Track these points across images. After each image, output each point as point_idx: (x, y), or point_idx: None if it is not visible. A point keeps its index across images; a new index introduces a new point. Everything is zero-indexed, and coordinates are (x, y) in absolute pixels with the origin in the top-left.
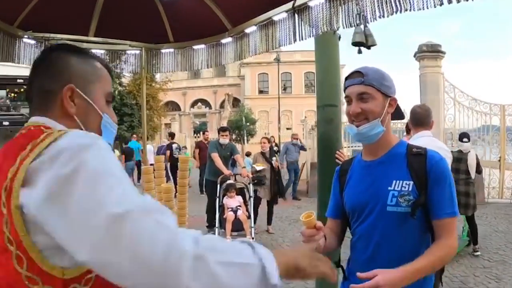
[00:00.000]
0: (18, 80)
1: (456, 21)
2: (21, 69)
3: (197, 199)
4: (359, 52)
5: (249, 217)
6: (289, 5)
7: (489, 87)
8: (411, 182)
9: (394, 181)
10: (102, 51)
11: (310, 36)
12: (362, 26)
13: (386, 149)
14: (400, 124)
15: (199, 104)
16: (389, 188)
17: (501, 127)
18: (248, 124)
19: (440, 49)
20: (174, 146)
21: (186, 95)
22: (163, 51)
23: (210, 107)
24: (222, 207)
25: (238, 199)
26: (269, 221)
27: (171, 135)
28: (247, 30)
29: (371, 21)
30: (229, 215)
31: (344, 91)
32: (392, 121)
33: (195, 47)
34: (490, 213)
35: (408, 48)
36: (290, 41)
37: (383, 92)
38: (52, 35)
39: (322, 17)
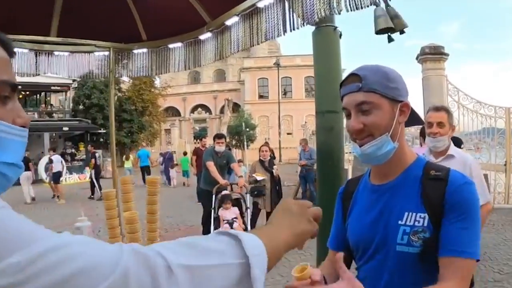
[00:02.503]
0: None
1: (454, 23)
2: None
3: (195, 208)
4: (390, 40)
5: (246, 229)
6: None
7: (493, 89)
8: (426, 215)
9: (406, 214)
10: (66, 53)
11: (303, 25)
12: (383, 6)
13: (399, 170)
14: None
15: (199, 109)
16: (400, 222)
17: (507, 130)
18: (248, 129)
19: (443, 51)
20: (97, 154)
21: (186, 100)
22: (135, 51)
23: (210, 113)
24: (217, 219)
25: (234, 211)
26: None
27: (93, 146)
28: (228, 22)
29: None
30: (225, 228)
31: (341, 100)
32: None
33: (170, 45)
34: (497, 220)
35: (407, 51)
36: (279, 33)
37: (390, 98)
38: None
39: None
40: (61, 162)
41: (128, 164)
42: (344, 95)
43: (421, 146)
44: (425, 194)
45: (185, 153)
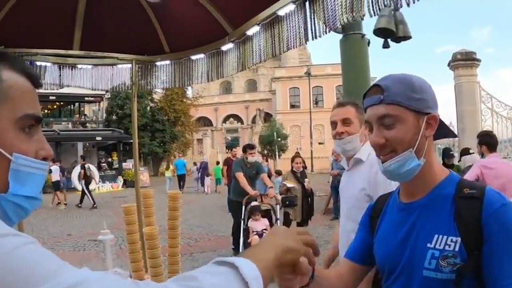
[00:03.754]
0: (51, 97)
1: (485, 28)
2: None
3: (226, 218)
4: (385, 46)
5: None
6: None
7: None
8: (459, 239)
9: (435, 236)
10: (89, 66)
11: (326, 32)
12: (391, 9)
13: (428, 187)
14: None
15: (231, 119)
16: (429, 245)
17: None
18: (279, 139)
19: (475, 56)
20: (86, 166)
21: (218, 110)
22: (157, 63)
23: (242, 122)
24: (247, 230)
25: (264, 222)
26: None
27: (82, 157)
28: (249, 32)
29: (406, 3)
30: (254, 239)
31: (365, 112)
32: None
33: (193, 57)
34: None
35: (439, 58)
36: (301, 41)
37: (414, 110)
38: (27, 50)
39: (341, 3)
40: (59, 172)
41: (168, 174)
42: (366, 107)
43: (483, 156)
44: (458, 216)
45: (217, 163)
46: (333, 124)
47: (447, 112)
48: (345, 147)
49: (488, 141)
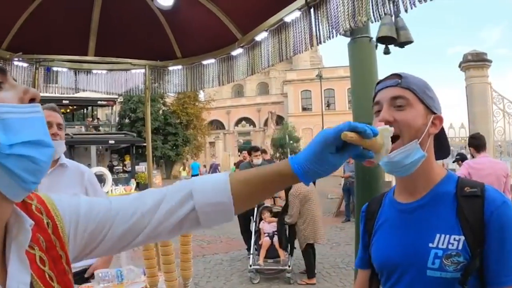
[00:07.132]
0: (64, 101)
1: (497, 28)
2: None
3: (237, 220)
4: (386, 52)
5: (286, 244)
6: (301, 0)
7: None
8: (462, 238)
9: (437, 235)
10: (104, 71)
11: (330, 38)
12: (392, 17)
13: (428, 185)
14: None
15: (243, 122)
16: (431, 245)
17: None
18: (291, 142)
19: (486, 57)
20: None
21: (230, 113)
22: (170, 68)
23: (254, 125)
24: (258, 232)
25: (275, 224)
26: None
27: None
28: (258, 38)
29: (405, 9)
30: (265, 241)
31: (373, 99)
32: None
33: (204, 62)
34: None
35: (450, 59)
36: (306, 46)
37: (425, 104)
38: (45, 56)
39: (344, 10)
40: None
41: (184, 173)
42: (379, 90)
43: (473, 157)
44: (461, 214)
45: (235, 164)
46: (49, 124)
47: (458, 114)
48: (57, 149)
49: (474, 143)
